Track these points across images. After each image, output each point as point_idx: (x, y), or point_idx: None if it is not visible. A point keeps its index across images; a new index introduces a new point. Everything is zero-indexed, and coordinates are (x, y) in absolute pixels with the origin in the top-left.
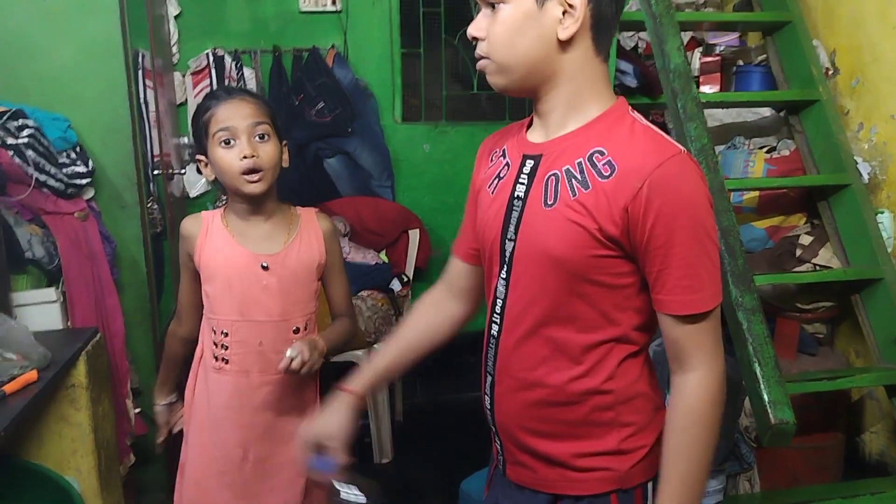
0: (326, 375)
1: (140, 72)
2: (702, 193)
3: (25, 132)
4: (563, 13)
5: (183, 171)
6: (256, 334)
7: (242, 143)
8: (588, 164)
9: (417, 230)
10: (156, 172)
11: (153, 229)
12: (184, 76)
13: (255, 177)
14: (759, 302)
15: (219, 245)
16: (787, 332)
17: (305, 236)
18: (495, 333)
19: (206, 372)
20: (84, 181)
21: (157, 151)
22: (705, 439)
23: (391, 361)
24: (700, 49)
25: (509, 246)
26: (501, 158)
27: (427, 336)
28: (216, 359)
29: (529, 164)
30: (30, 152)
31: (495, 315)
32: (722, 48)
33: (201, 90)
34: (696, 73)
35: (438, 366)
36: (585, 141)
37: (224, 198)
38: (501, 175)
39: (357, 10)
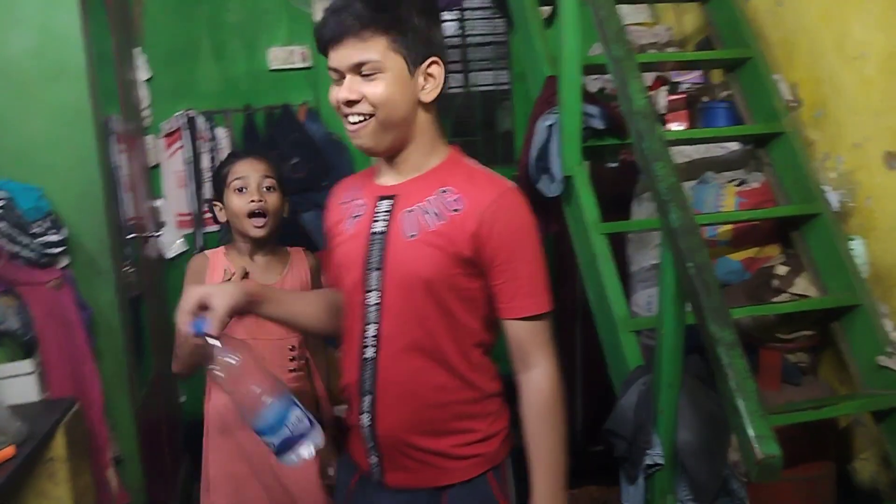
0: None
1: (112, 137)
2: (532, 219)
3: None
4: (426, 80)
5: (158, 233)
6: (260, 353)
7: (252, 190)
8: (439, 200)
9: None
10: (131, 236)
11: (131, 293)
12: (156, 139)
13: (260, 221)
14: (738, 336)
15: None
16: (769, 364)
17: (296, 269)
18: (371, 355)
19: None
20: (57, 250)
21: (131, 215)
22: (562, 421)
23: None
24: (666, 87)
25: (375, 275)
26: (355, 202)
27: (326, 316)
28: None
29: (386, 203)
30: (2, 224)
31: (368, 339)
32: (687, 86)
33: (175, 151)
34: (663, 111)
35: None
36: (432, 182)
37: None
38: (357, 214)
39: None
